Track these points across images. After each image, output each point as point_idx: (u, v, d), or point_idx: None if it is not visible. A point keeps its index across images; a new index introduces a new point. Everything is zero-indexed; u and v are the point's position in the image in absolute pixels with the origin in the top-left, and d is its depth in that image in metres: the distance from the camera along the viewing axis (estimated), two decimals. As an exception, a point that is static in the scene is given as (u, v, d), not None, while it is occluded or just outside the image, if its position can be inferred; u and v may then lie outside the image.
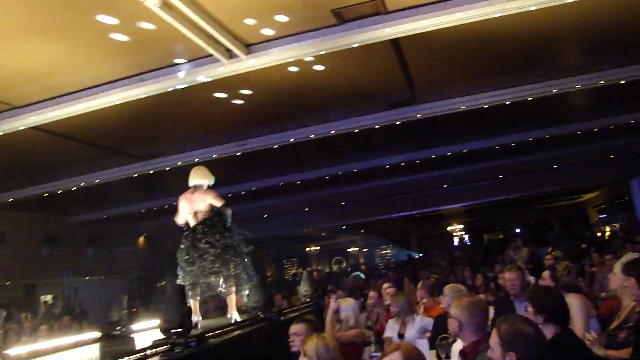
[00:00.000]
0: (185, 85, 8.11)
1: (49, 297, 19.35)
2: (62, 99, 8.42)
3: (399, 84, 9.78)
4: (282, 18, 6.88)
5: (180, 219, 6.58)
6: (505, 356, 2.84)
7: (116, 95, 8.20)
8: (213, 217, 6.44)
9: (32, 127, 9.20)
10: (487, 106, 10.79)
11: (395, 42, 7.85)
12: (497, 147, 15.09)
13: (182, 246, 6.32)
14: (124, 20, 6.51)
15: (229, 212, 6.62)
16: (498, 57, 8.98)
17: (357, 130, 11.66)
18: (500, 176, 18.62)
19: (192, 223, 6.43)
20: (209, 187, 6.74)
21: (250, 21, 6.86)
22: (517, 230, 27.50)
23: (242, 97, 9.44)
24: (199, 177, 6.69)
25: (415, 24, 6.93)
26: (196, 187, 6.61)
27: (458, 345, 4.07)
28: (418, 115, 11.18)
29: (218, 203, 6.50)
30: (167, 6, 5.97)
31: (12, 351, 5.30)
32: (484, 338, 3.48)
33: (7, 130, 9.04)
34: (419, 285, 7.08)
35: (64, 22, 6.44)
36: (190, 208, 6.47)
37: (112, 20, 6.46)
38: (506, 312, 5.17)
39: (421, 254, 26.91)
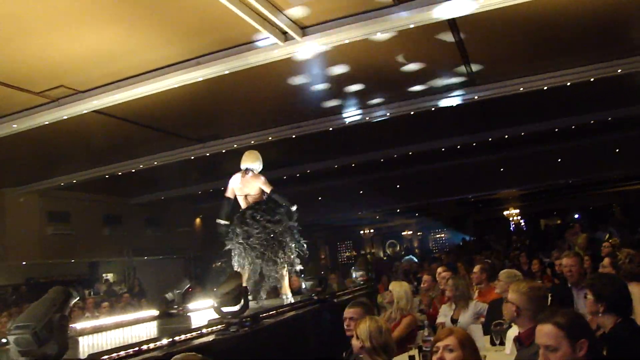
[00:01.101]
0: (241, 68, 8.16)
1: (110, 276, 20.02)
2: (123, 83, 8.62)
3: (457, 65, 9.61)
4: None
5: (229, 194, 6.95)
6: (576, 346, 2.67)
7: (174, 79, 8.34)
8: (262, 202, 6.56)
9: (95, 110, 9.48)
10: (546, 88, 10.50)
11: (452, 23, 7.70)
12: (556, 129, 14.69)
13: (233, 228, 6.45)
14: (182, 4, 6.59)
15: (293, 207, 6.87)
16: (558, 37, 8.68)
17: (412, 113, 11.54)
18: (559, 160, 18.11)
19: (242, 205, 6.54)
20: (259, 172, 6.94)
21: (306, 2, 6.83)
22: (576, 216, 26.70)
23: (296, 79, 9.45)
24: (251, 161, 6.87)
25: (473, 3, 6.78)
26: (247, 170, 6.79)
27: (513, 331, 4.00)
28: (475, 97, 10.99)
29: (267, 188, 6.68)
30: (223, -11, 6.02)
31: (77, 325, 5.49)
32: (541, 325, 3.41)
33: (72, 114, 9.35)
34: (474, 270, 6.98)
35: (124, 7, 6.56)
36: (241, 191, 6.58)
37: (170, 5, 6.56)
38: (564, 300, 5.06)
39: (476, 239, 26.51)
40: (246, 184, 6.66)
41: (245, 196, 6.63)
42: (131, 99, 8.94)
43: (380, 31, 7.41)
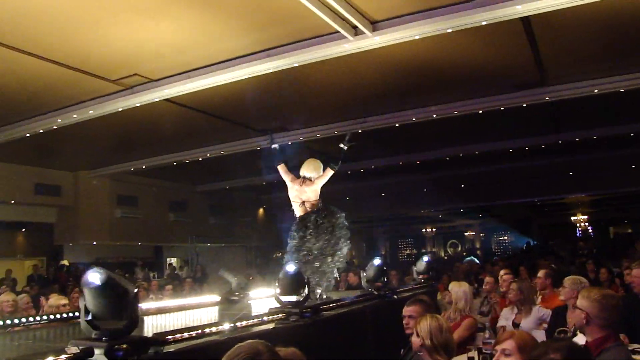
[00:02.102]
0: (310, 61, 8.21)
1: (174, 260, 20.57)
2: (194, 73, 8.84)
3: (528, 64, 9.37)
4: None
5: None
6: None
7: (244, 70, 8.47)
8: (319, 211, 6.59)
9: (166, 99, 9.75)
10: (622, 90, 10.12)
11: (526, 21, 7.52)
12: (631, 134, 14.14)
13: (291, 232, 6.56)
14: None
15: (340, 214, 6.75)
16: (636, 37, 8.35)
17: (481, 112, 11.34)
18: (633, 166, 17.43)
19: (298, 212, 6.62)
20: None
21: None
22: (649, 225, 25.69)
23: (365, 74, 9.43)
24: (311, 170, 6.83)
25: (549, 1, 6.60)
26: (305, 179, 6.79)
27: (579, 340, 3.88)
28: (546, 98, 10.70)
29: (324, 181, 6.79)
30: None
31: (142, 305, 5.67)
32: (611, 336, 3.28)
33: (144, 102, 9.65)
34: (539, 274, 6.81)
35: (198, -1, 6.72)
36: (299, 197, 6.65)
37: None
38: (634, 312, 4.87)
39: (540, 243, 25.87)
40: (304, 191, 6.73)
41: (303, 202, 6.70)
42: (201, 88, 9.15)
43: (451, 28, 7.30)
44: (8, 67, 8.38)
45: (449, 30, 7.36)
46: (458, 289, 6.02)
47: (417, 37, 7.57)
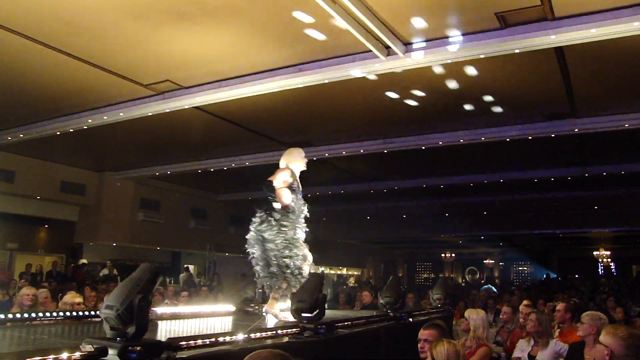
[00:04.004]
0: (341, 79, 8.25)
1: (191, 267, 20.63)
2: (225, 83, 8.93)
3: (559, 95, 9.31)
4: (443, 18, 6.81)
5: None
6: None
7: (274, 83, 8.54)
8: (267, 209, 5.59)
9: (195, 107, 9.85)
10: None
11: (559, 51, 7.48)
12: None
13: None
14: (286, 11, 6.73)
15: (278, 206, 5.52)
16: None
17: (508, 140, 11.27)
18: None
19: None
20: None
21: (411, 19, 6.83)
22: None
23: (394, 94, 9.44)
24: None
25: (583, 32, 6.57)
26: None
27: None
28: (576, 130, 10.60)
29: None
30: (330, -1, 6.12)
31: (157, 310, 5.70)
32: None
33: (174, 108, 9.76)
34: (558, 307, 6.69)
35: (233, 9, 6.78)
36: None
37: (277, 10, 6.72)
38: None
39: (560, 276, 25.52)
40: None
41: None
42: (231, 98, 9.22)
43: (484, 54, 7.30)
44: (44, 65, 8.54)
45: (481, 56, 7.36)
46: (476, 317, 5.94)
47: (449, 61, 7.58)
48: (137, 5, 6.70)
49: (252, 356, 2.01)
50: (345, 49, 7.71)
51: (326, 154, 12.93)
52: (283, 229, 5.39)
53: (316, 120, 11.25)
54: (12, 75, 9.09)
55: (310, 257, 5.56)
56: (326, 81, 8.34)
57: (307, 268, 5.44)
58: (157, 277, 2.93)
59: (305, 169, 6.00)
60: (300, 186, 5.80)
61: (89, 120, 10.72)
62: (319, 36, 7.31)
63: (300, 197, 5.71)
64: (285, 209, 5.47)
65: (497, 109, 10.01)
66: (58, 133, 11.51)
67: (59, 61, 8.28)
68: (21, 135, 11.96)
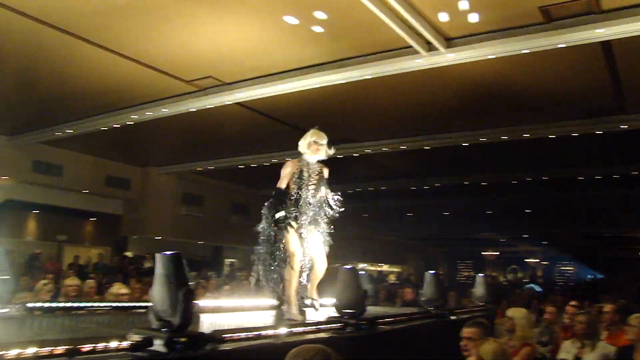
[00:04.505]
0: (382, 74, 8.21)
1: (235, 261, 20.83)
2: (266, 79, 8.98)
3: (605, 90, 9.09)
4: (486, 12, 6.72)
5: None
6: None
7: (315, 79, 8.56)
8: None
9: (237, 103, 9.93)
10: None
11: (606, 45, 7.30)
12: None
13: None
14: (329, 6, 6.74)
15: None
16: None
17: (552, 136, 11.06)
18: None
19: None
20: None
21: (453, 14, 6.76)
22: None
23: (436, 90, 9.36)
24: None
25: (633, 26, 6.39)
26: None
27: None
28: (622, 126, 10.33)
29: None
30: (372, -6, 6.10)
31: (199, 302, 5.78)
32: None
33: (216, 104, 9.87)
34: (607, 309, 6.52)
35: (275, 5, 6.82)
36: None
37: (318, 5, 6.73)
38: None
39: (606, 277, 24.91)
40: None
41: None
42: (273, 94, 9.27)
43: (528, 49, 7.16)
44: (90, 63, 8.74)
45: (525, 51, 7.23)
46: (520, 316, 5.85)
47: (491, 57, 7.47)
48: (180, 2, 6.80)
49: (295, 351, 2.02)
50: (386, 44, 7.67)
51: (367, 150, 12.91)
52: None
53: (357, 117, 11.22)
54: (60, 73, 9.35)
55: (296, 248, 5.02)
56: (367, 77, 8.31)
57: (297, 259, 5.01)
58: (180, 261, 2.97)
59: (311, 154, 5.33)
60: (317, 175, 5.33)
61: (134, 116, 10.93)
62: (361, 32, 7.29)
63: (310, 187, 5.26)
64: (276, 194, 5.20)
65: (540, 105, 9.83)
66: (104, 129, 11.76)
67: (104, 59, 8.46)
68: (69, 131, 12.26)
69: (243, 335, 3.34)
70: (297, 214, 5.12)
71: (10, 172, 14.13)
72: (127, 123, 11.25)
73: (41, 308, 4.78)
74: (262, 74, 8.96)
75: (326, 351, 2.01)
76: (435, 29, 7.09)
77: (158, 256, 3.00)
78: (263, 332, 3.51)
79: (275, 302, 5.46)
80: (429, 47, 7.41)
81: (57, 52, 8.41)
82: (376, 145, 12.77)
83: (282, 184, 5.22)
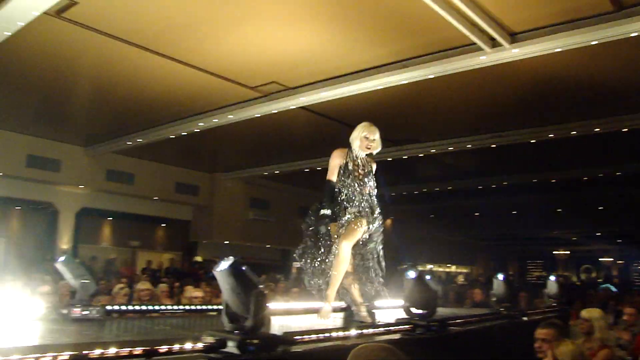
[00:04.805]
0: (445, 73, 8.11)
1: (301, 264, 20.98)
2: (329, 82, 9.04)
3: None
4: (551, 4, 6.54)
5: None
6: None
7: (379, 80, 8.55)
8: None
9: (301, 107, 10.02)
10: None
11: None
12: None
13: None
14: (391, 6, 6.71)
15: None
16: None
17: (625, 130, 10.65)
18: None
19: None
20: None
21: (515, 8, 6.63)
22: None
23: (501, 87, 9.18)
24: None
25: None
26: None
27: None
28: None
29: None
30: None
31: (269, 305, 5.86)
32: None
33: (280, 109, 9.99)
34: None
35: (336, 8, 6.86)
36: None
37: (380, 7, 6.72)
38: None
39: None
40: None
41: None
42: (336, 97, 9.31)
43: (596, 40, 6.91)
44: (159, 73, 9.03)
45: (594, 43, 6.98)
46: (597, 317, 5.66)
47: (558, 50, 7.26)
48: (242, 9, 6.93)
49: (360, 349, 2.03)
50: (449, 42, 7.58)
51: (432, 150, 12.77)
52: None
53: (422, 117, 11.13)
54: (132, 86, 9.72)
55: (345, 248, 4.72)
56: (431, 76, 8.23)
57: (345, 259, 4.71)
58: (242, 267, 3.02)
59: (361, 149, 4.96)
60: (364, 169, 4.99)
61: (200, 124, 11.19)
62: (422, 31, 7.24)
63: (361, 182, 4.94)
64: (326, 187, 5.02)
65: (611, 98, 9.48)
66: (172, 137, 12.09)
67: (172, 69, 8.73)
68: (139, 140, 12.67)
69: (314, 337, 3.37)
70: (347, 208, 4.90)
71: (86, 182, 14.78)
72: (195, 130, 11.53)
73: (119, 311, 4.98)
74: (326, 77, 9.02)
75: (390, 349, 2.01)
76: (499, 24, 6.95)
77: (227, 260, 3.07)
78: (333, 334, 3.53)
79: (343, 304, 5.47)
80: (493, 43, 7.27)
81: (129, 65, 8.75)
82: (441, 145, 12.62)
83: (332, 176, 5.01)
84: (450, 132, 12.11)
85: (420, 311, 4.26)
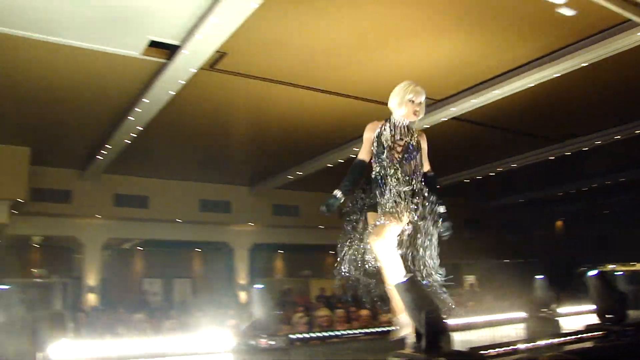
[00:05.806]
0: (599, 59, 7.60)
1: (471, 277, 20.54)
2: (477, 88, 8.86)
3: None
4: None
5: None
6: None
7: (529, 78, 8.23)
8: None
9: (452, 117, 9.87)
10: None
11: None
12: None
13: None
14: (531, 2, 6.45)
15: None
16: None
17: None
18: None
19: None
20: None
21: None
22: None
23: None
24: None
25: None
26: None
27: None
28: None
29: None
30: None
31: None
32: None
33: (431, 123, 9.87)
34: None
35: (473, 13, 6.73)
36: None
37: (519, 3, 6.51)
38: None
39: None
40: None
41: None
42: (486, 102, 9.08)
43: None
44: (310, 106, 9.48)
45: None
46: None
47: None
48: (380, 29, 7.06)
49: None
50: (597, 25, 7.08)
51: (596, 142, 11.92)
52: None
53: (577, 109, 10.40)
54: (286, 122, 10.29)
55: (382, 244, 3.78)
56: (584, 64, 7.76)
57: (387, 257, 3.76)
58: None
59: (406, 116, 3.93)
60: (407, 142, 3.98)
61: (355, 149, 11.37)
62: (567, 19, 6.83)
63: (401, 157, 3.95)
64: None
65: None
66: (329, 165, 12.43)
67: (319, 100, 9.10)
68: (299, 173, 13.18)
69: (502, 350, 3.29)
70: (382, 192, 3.92)
71: (255, 219, 15.66)
72: (351, 156, 11.74)
73: (302, 339, 5.20)
74: (473, 83, 8.86)
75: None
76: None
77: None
78: (520, 346, 3.42)
79: (524, 313, 5.28)
80: (650, 16, 6.69)
81: (282, 103, 9.24)
82: (606, 135, 11.73)
83: (363, 155, 4.02)
84: (612, 119, 11.21)
85: (609, 315, 3.99)
